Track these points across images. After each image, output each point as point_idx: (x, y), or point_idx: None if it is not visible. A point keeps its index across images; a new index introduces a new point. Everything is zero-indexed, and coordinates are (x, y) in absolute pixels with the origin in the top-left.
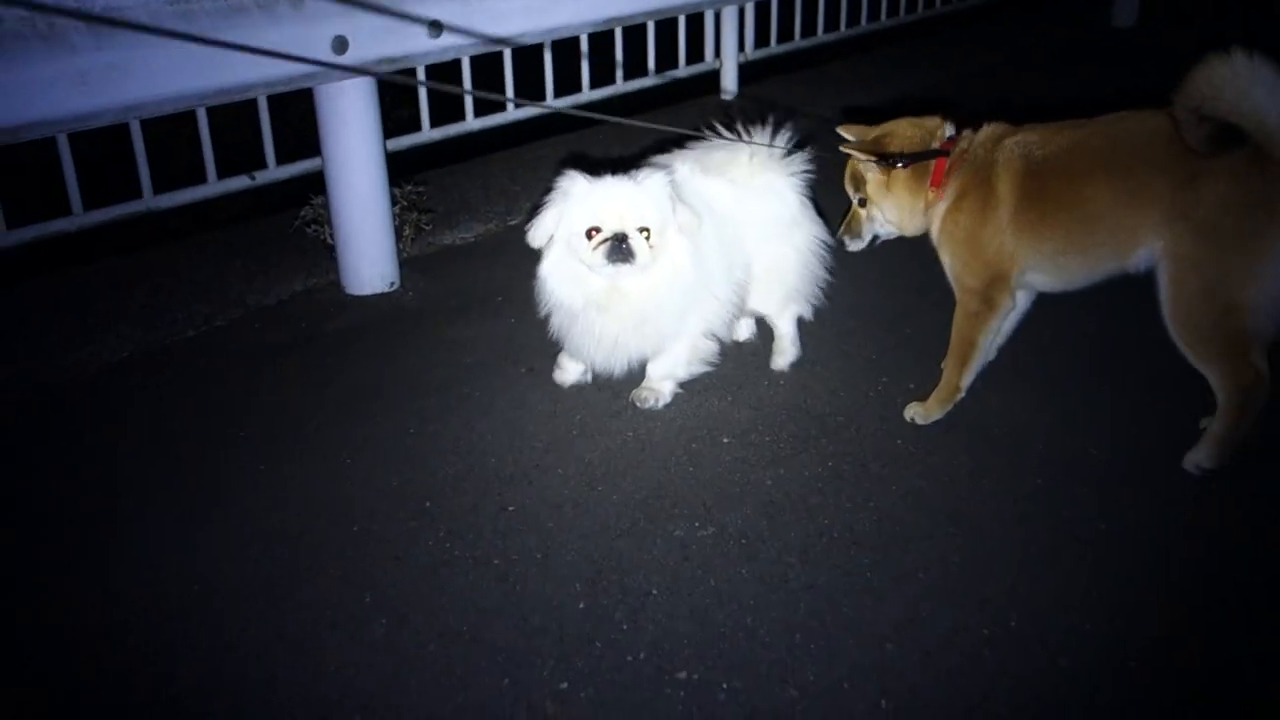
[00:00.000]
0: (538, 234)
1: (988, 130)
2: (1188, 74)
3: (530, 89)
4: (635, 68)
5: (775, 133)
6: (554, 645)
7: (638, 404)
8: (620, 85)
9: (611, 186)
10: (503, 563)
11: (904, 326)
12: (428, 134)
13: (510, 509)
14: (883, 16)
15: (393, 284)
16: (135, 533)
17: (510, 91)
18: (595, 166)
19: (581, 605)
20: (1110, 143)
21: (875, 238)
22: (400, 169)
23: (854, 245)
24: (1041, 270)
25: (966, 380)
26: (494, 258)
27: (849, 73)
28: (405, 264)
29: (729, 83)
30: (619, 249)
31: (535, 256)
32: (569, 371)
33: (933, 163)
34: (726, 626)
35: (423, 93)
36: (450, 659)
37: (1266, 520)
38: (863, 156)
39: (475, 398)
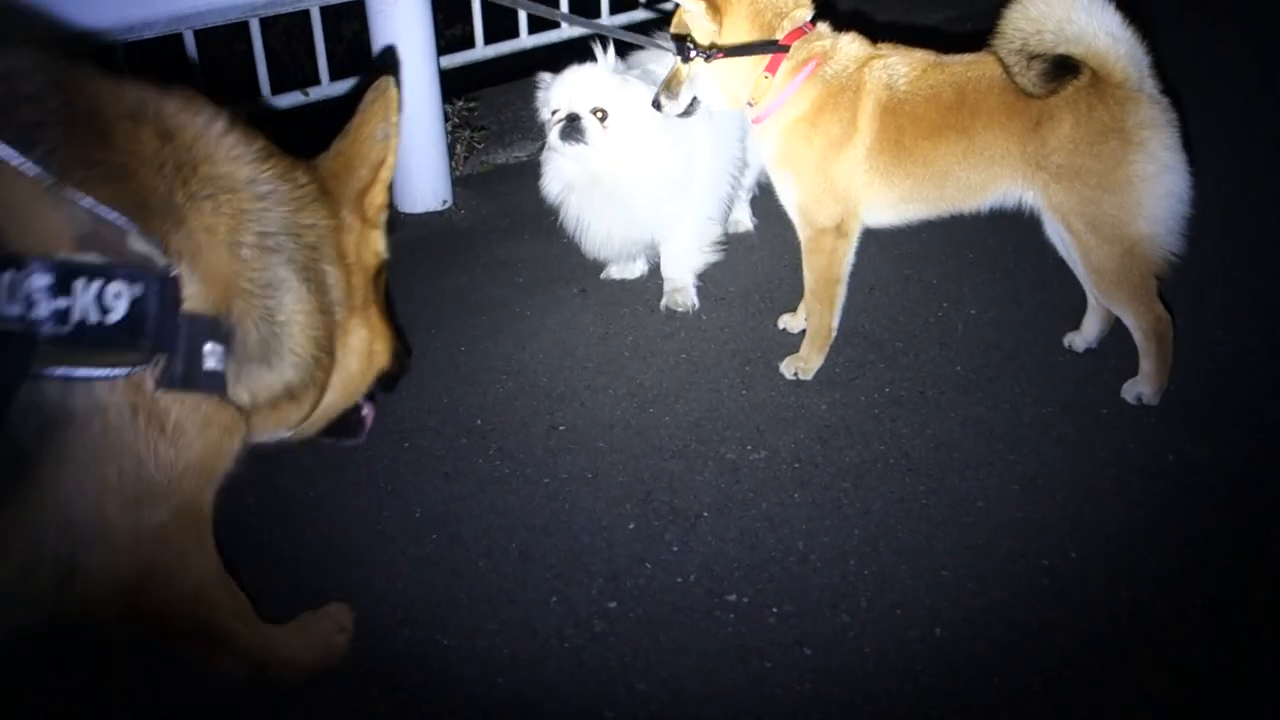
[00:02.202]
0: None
1: (854, 45)
2: (1002, 14)
3: (585, 6)
4: None
5: None
6: (603, 565)
7: (673, 309)
8: (673, 1)
9: (569, 72)
10: (553, 482)
11: (966, 251)
12: (481, 51)
13: (561, 428)
14: None
15: (445, 202)
16: None
17: (565, 8)
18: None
19: (631, 526)
20: (959, 96)
21: (694, 101)
22: (453, 87)
23: (670, 108)
24: (881, 212)
25: (836, 319)
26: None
27: None
28: (458, 182)
29: None
30: (570, 129)
31: None
32: (610, 269)
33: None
34: (778, 551)
35: (476, 9)
36: (499, 575)
37: None
38: (691, 5)
39: (527, 317)
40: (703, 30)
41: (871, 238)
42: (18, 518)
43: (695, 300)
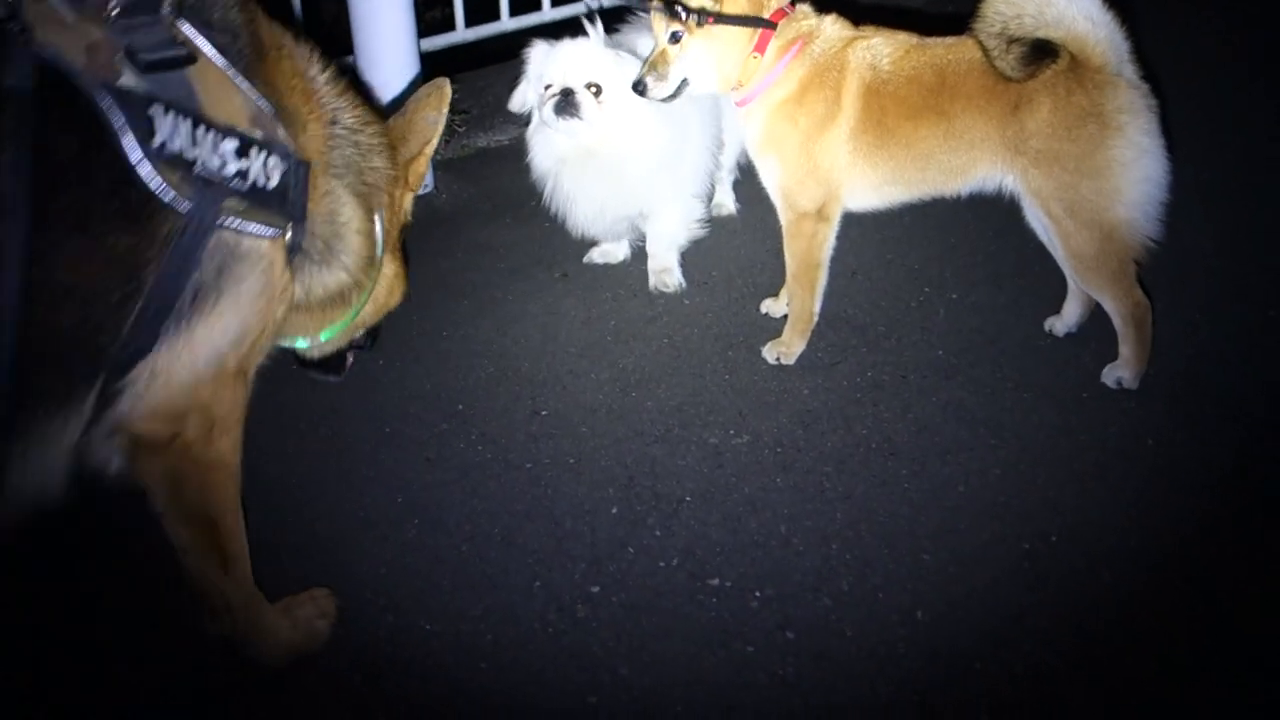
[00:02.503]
0: (514, 101)
1: (836, 25)
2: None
3: None
4: None
5: None
6: (586, 550)
7: (661, 289)
8: None
9: (563, 46)
10: (535, 467)
11: (948, 236)
12: (461, 34)
13: (543, 414)
14: None
15: (427, 186)
16: None
17: None
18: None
19: (614, 510)
20: (939, 78)
21: (683, 84)
22: (434, 70)
23: (657, 90)
24: (863, 195)
25: (818, 304)
26: (528, 161)
27: None
28: (439, 166)
29: None
30: (565, 103)
31: None
32: (593, 253)
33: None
34: (760, 535)
35: None
36: (482, 561)
37: None
38: None
39: (508, 302)
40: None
41: (853, 221)
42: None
43: (682, 280)
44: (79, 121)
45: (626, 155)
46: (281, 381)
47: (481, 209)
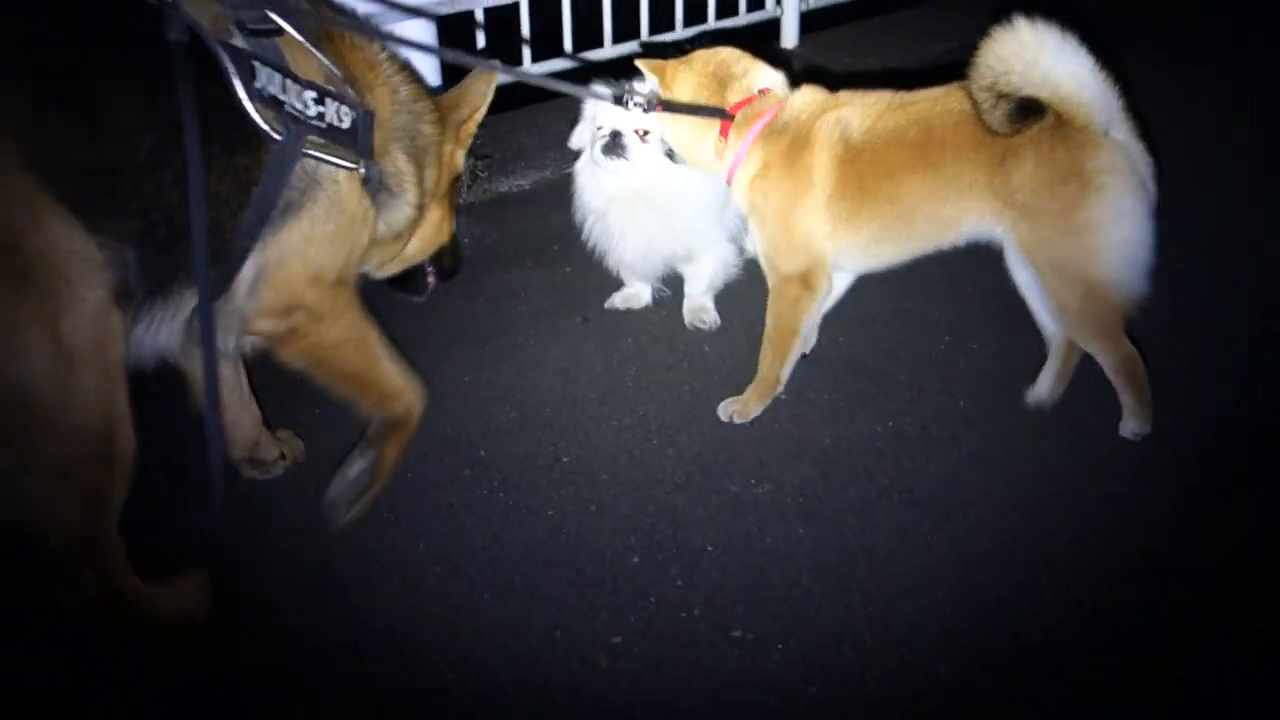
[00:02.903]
0: (573, 138)
1: (806, 96)
2: (977, 51)
3: (588, 35)
4: (695, 13)
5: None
6: (608, 599)
7: (699, 326)
8: (680, 31)
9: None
10: (556, 514)
11: (967, 285)
12: None
13: (564, 460)
14: None
15: None
16: (182, 474)
17: (568, 37)
18: None
19: (636, 559)
20: (925, 131)
21: (671, 154)
22: None
23: (631, 154)
24: (853, 257)
25: (787, 371)
26: (550, 206)
27: (920, 20)
28: (461, 210)
29: (789, 32)
30: (612, 144)
31: None
32: (616, 298)
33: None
34: (782, 586)
35: (480, 38)
36: (503, 609)
37: None
38: (646, 76)
39: (529, 347)
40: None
41: (876, 276)
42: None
43: (717, 318)
44: (212, 68)
45: (673, 198)
46: (302, 427)
47: (503, 253)
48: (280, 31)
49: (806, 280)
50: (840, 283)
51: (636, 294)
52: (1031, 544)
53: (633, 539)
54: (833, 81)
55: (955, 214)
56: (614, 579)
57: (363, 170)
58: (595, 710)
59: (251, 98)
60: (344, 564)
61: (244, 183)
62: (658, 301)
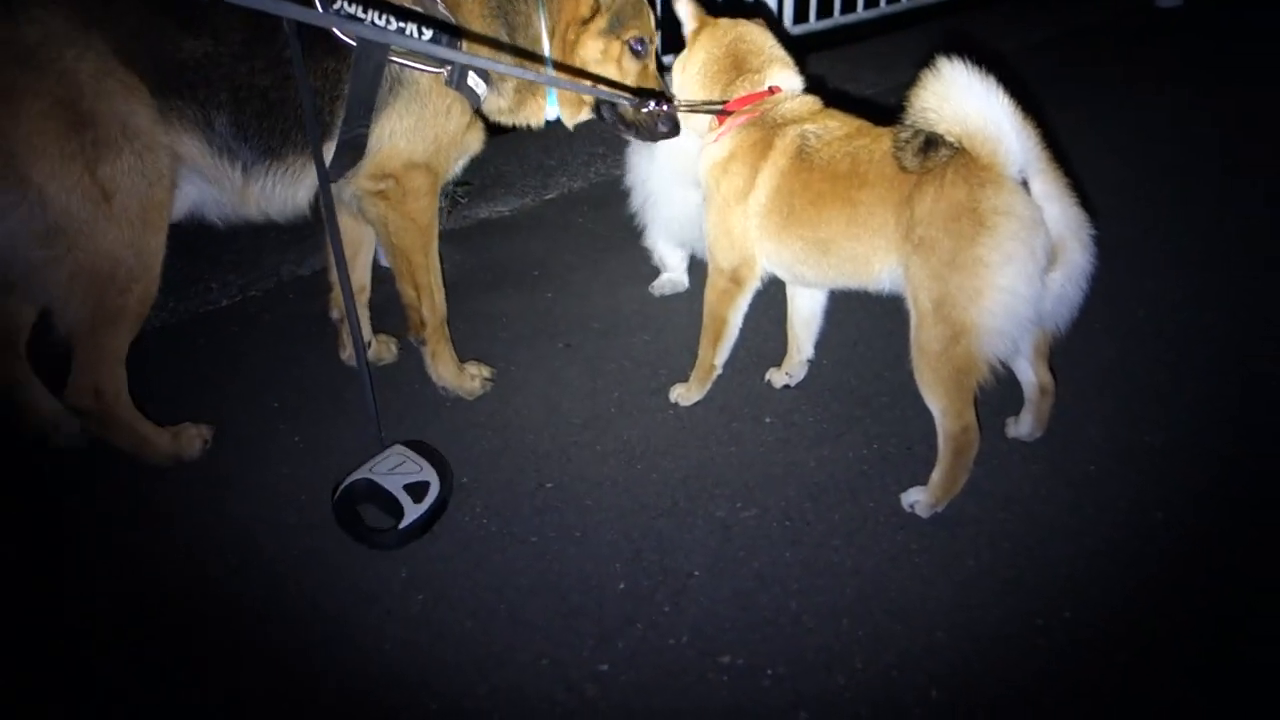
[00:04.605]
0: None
1: (799, 102)
2: (911, 88)
3: None
4: (672, 44)
5: None
6: (593, 626)
7: None
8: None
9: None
10: (540, 540)
11: None
12: None
13: (548, 486)
14: None
15: None
16: (167, 503)
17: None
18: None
19: (621, 585)
20: (852, 165)
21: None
22: None
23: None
24: (781, 271)
25: (721, 358)
26: (530, 232)
27: (894, 48)
28: (440, 237)
29: None
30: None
31: (571, 232)
32: (658, 284)
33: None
34: (770, 610)
35: None
36: (488, 637)
37: None
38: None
39: (511, 372)
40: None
41: (853, 292)
42: (381, 124)
43: None
44: None
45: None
46: (277, 459)
47: (483, 279)
48: None
49: (736, 276)
50: (817, 300)
51: (677, 279)
52: (1021, 567)
53: (618, 565)
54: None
55: (868, 253)
56: (600, 606)
57: (444, 74)
58: None
59: (330, 14)
60: (326, 591)
61: (332, 80)
62: (640, 324)
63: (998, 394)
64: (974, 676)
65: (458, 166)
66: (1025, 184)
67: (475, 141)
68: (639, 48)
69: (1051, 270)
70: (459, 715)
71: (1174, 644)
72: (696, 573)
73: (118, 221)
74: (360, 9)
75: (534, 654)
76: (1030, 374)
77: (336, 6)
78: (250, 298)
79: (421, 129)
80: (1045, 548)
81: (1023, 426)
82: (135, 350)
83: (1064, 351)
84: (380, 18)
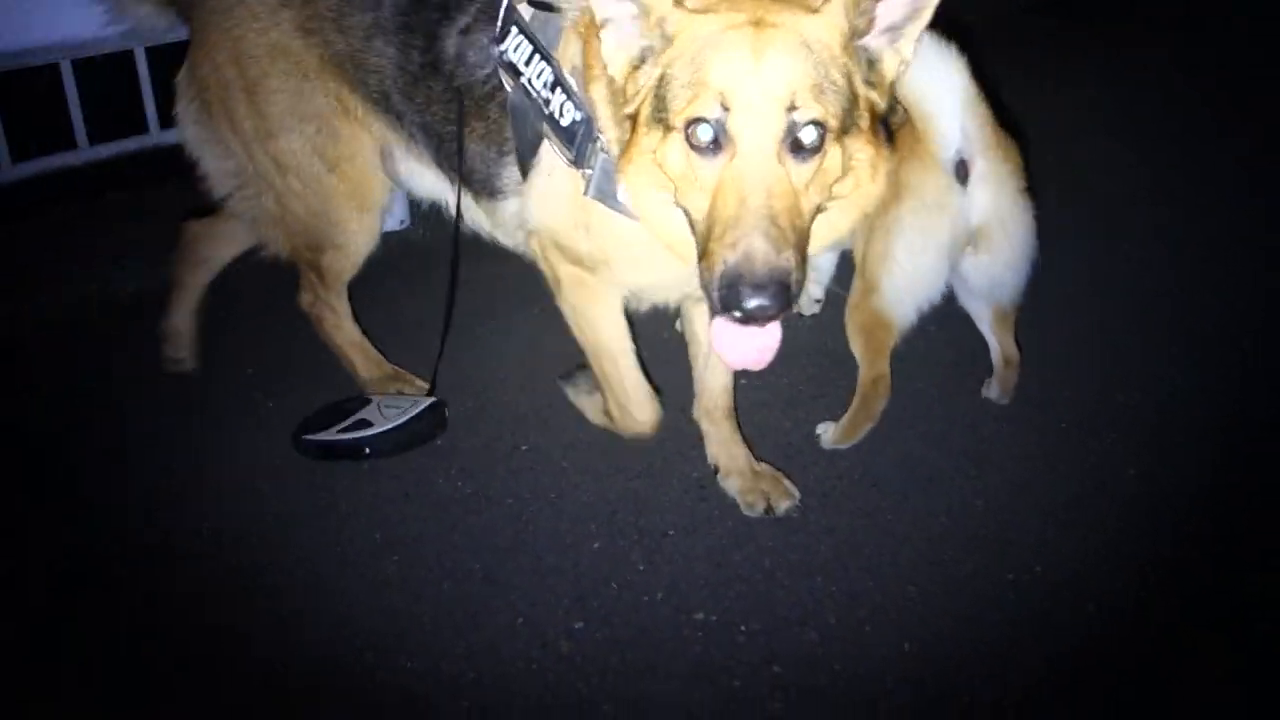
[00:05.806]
0: None
1: None
2: None
3: None
4: None
5: None
6: (569, 585)
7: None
8: None
9: None
10: (516, 502)
11: None
12: None
13: (523, 448)
14: None
15: (403, 222)
16: (144, 472)
17: None
18: None
19: (596, 545)
20: None
21: None
22: None
23: None
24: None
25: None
26: None
27: None
28: (415, 202)
29: None
30: None
31: None
32: None
33: None
34: (744, 568)
35: None
36: (464, 598)
37: None
38: None
39: (487, 337)
40: None
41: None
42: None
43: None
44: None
45: None
46: (252, 422)
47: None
48: (558, 10)
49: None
50: None
51: None
52: (992, 524)
53: (593, 525)
54: None
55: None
56: (575, 565)
57: (576, 157)
58: (558, 697)
59: (494, 59)
60: (302, 555)
61: (493, 128)
62: None
63: (974, 355)
64: (946, 631)
65: None
66: (964, 164)
67: None
68: None
69: (976, 253)
70: (436, 675)
71: (1143, 593)
72: (671, 532)
73: None
74: (524, 58)
75: (509, 614)
76: (995, 343)
77: (502, 48)
78: (228, 266)
79: (552, 200)
80: (1016, 504)
81: (992, 390)
82: (109, 322)
83: (1039, 319)
84: (537, 74)
